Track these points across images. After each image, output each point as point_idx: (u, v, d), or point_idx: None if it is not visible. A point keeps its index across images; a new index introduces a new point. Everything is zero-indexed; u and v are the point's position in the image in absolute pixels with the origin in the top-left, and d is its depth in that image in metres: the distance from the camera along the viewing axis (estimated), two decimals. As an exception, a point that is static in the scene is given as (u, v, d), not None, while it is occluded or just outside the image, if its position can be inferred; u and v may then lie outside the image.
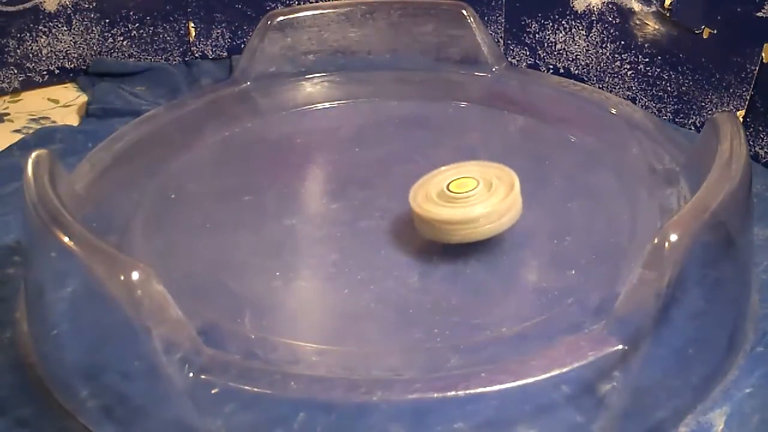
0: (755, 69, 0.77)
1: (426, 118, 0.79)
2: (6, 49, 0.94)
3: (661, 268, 0.43)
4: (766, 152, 0.78)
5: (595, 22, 0.90)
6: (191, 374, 0.43)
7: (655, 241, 0.43)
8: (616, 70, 0.90)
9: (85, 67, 0.99)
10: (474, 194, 0.56)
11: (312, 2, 1.00)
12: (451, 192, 0.56)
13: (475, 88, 0.83)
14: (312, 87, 0.84)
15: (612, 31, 0.89)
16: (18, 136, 0.85)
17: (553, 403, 0.44)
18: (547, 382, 0.43)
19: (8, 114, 0.92)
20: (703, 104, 0.83)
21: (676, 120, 0.86)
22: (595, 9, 0.90)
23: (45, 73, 0.97)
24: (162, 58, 1.02)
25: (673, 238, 0.43)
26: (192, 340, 0.43)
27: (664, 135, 0.69)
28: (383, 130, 0.77)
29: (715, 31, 0.80)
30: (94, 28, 0.98)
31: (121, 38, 0.99)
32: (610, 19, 0.89)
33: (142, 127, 0.72)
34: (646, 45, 0.87)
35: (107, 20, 0.98)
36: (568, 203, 0.64)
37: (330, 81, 0.84)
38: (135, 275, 0.41)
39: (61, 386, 0.50)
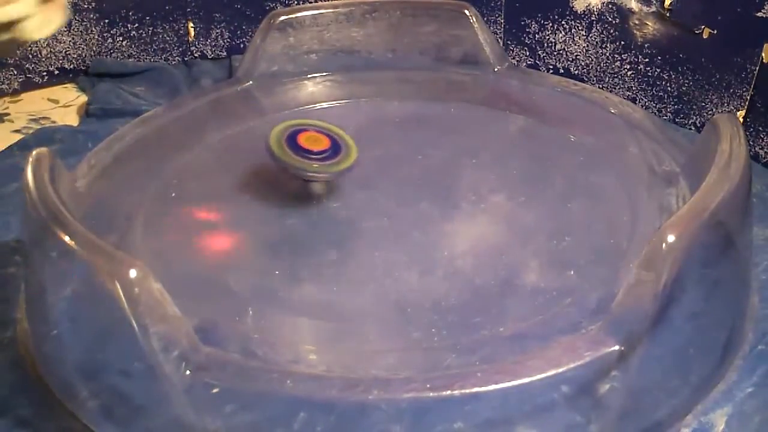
0: (755, 69, 0.77)
1: (427, 118, 0.79)
2: (6, 50, 0.94)
3: (659, 269, 0.43)
4: (766, 152, 0.78)
5: (594, 22, 0.90)
6: (188, 372, 0.43)
7: (653, 241, 0.43)
8: (616, 70, 0.90)
9: (84, 68, 0.99)
10: None
11: (311, 2, 1.00)
12: None
13: (476, 88, 0.83)
14: (314, 86, 0.84)
15: (612, 31, 0.89)
16: (18, 136, 0.86)
17: (552, 403, 0.44)
18: (543, 382, 0.43)
19: (8, 114, 0.92)
20: (703, 104, 0.83)
21: (676, 120, 0.86)
22: (594, 9, 0.89)
23: (45, 73, 0.97)
24: (161, 58, 1.02)
25: (671, 238, 0.43)
26: (189, 338, 0.43)
27: (665, 135, 0.69)
28: (384, 129, 0.77)
29: (715, 31, 0.80)
30: (93, 29, 0.98)
31: (121, 38, 0.99)
32: (609, 19, 0.89)
33: (143, 127, 0.73)
34: (646, 45, 0.86)
35: (107, 21, 0.98)
36: (567, 203, 0.64)
37: (331, 80, 0.84)
38: (132, 273, 0.41)
39: (61, 385, 0.50)
